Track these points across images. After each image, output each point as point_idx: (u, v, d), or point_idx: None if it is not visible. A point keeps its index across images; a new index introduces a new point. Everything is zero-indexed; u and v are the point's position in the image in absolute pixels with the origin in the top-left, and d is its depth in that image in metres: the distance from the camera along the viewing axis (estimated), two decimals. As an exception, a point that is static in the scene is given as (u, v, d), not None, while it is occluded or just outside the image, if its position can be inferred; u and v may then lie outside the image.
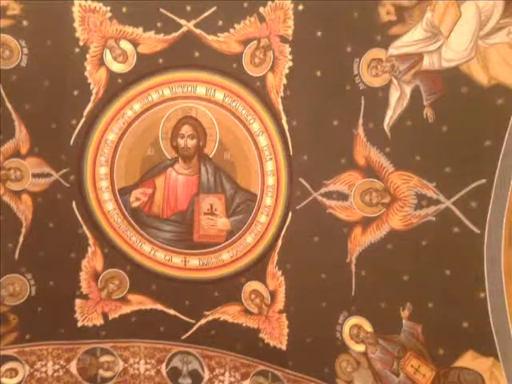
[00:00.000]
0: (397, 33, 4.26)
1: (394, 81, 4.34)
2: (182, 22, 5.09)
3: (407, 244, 4.47)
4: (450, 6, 3.93)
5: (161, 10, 5.05)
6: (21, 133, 5.34)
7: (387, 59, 4.34)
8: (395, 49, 4.29)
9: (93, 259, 5.73)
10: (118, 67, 5.30)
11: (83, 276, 5.76)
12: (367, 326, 4.82)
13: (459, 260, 4.22)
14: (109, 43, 5.21)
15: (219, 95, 5.33)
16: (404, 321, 4.56)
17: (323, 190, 4.93)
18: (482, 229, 4.05)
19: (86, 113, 5.36)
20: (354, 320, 4.90)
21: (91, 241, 5.69)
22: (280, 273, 5.32)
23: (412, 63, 4.22)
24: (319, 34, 4.66)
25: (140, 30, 5.15)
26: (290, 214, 5.20)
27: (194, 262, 5.68)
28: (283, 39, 4.86)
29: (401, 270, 4.54)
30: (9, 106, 5.24)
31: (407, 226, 4.44)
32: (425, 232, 4.35)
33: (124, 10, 5.09)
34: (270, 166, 5.32)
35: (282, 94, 5.02)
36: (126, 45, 5.23)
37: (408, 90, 4.27)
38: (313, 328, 5.18)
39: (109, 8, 5.08)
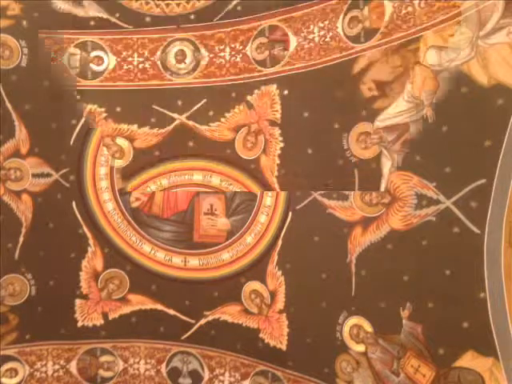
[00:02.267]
0: (381, 106, 4.41)
1: (384, 151, 4.46)
2: (175, 115, 5.29)
3: (407, 244, 4.47)
4: (427, 78, 4.05)
5: (154, 106, 5.24)
6: (21, 133, 5.36)
7: (374, 132, 4.46)
8: (381, 121, 4.43)
9: (93, 259, 5.73)
10: (115, 163, 5.48)
11: (83, 276, 5.76)
12: (367, 326, 4.81)
13: (459, 260, 4.20)
14: (105, 141, 5.40)
15: (216, 180, 5.47)
16: (404, 321, 4.54)
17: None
18: (482, 229, 4.03)
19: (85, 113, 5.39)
20: (354, 320, 4.88)
21: (91, 241, 5.70)
22: (280, 273, 5.32)
23: (399, 133, 4.32)
24: (306, 114, 4.87)
25: (135, 126, 5.36)
26: (290, 214, 5.21)
27: (194, 262, 5.68)
28: (272, 123, 5.08)
29: (401, 270, 4.53)
30: (9, 106, 5.26)
31: (407, 226, 4.44)
32: (425, 232, 4.35)
33: (118, 109, 5.29)
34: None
35: (276, 173, 5.18)
36: (121, 141, 5.40)
37: (399, 158, 4.39)
38: (313, 328, 5.17)
39: (104, 109, 5.29)
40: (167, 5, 4.97)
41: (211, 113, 5.27)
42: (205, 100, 5.23)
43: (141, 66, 5.21)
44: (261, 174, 5.28)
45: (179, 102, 5.28)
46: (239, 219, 5.52)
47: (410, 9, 4.08)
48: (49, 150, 5.48)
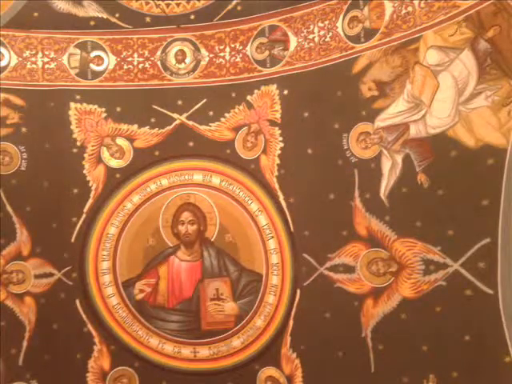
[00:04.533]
0: (381, 106, 4.48)
1: (384, 151, 4.47)
2: (175, 115, 5.35)
3: (421, 312, 4.36)
4: (427, 77, 4.15)
5: (153, 106, 5.31)
6: (22, 235, 5.38)
7: (374, 132, 4.51)
8: (381, 121, 4.48)
9: (99, 358, 5.53)
10: (115, 163, 5.46)
11: (90, 377, 5.52)
12: (391, 404, 4.57)
13: (477, 323, 4.09)
14: (105, 141, 5.42)
15: (216, 180, 5.46)
16: (430, 394, 4.33)
17: (328, 264, 4.88)
18: (495, 288, 3.97)
19: (86, 209, 5.44)
20: (378, 398, 4.65)
21: (96, 339, 5.52)
22: (295, 355, 5.11)
23: (399, 133, 4.37)
24: (306, 114, 4.90)
25: (135, 126, 5.39)
26: (299, 292, 5.10)
27: (204, 352, 5.46)
28: (272, 123, 5.12)
29: (419, 340, 4.38)
30: (9, 209, 5.32)
31: (418, 293, 4.36)
32: (437, 298, 4.26)
33: (118, 109, 5.35)
34: (272, 244, 5.31)
35: (276, 173, 5.17)
36: (122, 141, 5.43)
37: (399, 158, 4.39)
38: (335, 411, 4.91)
39: (104, 109, 5.34)
40: (167, 5, 5.07)
41: (211, 113, 5.28)
42: (205, 100, 5.24)
43: (141, 66, 5.25)
44: (261, 174, 5.24)
45: (179, 102, 5.29)
46: (247, 302, 5.40)
47: (410, 9, 4.16)
48: (50, 249, 5.46)
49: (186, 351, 5.50)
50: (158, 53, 5.27)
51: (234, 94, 5.20)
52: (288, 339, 5.15)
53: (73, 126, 5.33)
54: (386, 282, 4.56)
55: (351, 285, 4.76)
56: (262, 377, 5.31)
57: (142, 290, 5.54)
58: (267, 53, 5.04)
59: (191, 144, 5.40)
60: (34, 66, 5.24)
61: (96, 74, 5.30)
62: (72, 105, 5.31)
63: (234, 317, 5.42)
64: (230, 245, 5.48)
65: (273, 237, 5.29)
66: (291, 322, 5.15)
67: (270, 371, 5.28)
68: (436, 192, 4.19)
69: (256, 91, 5.13)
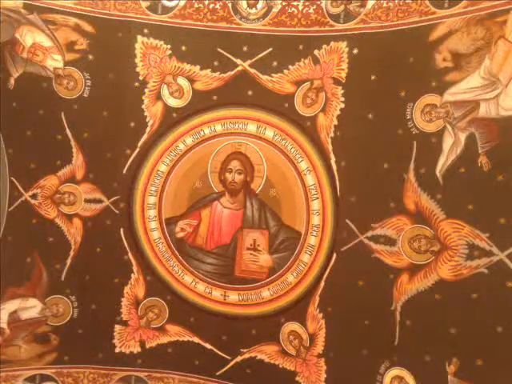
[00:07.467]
0: (453, 79, 4.22)
1: (449, 127, 4.27)
2: (238, 61, 5.26)
3: (456, 295, 4.27)
4: (509, 54, 3.87)
5: (218, 49, 5.25)
6: (78, 159, 5.58)
7: (442, 105, 4.29)
8: (450, 95, 4.24)
9: (135, 286, 5.80)
10: (173, 102, 5.50)
11: (124, 302, 5.82)
12: (409, 379, 4.58)
13: (513, 317, 4.00)
14: (167, 79, 5.44)
15: (269, 133, 5.42)
16: (450, 377, 4.30)
17: (370, 234, 4.83)
18: (539, 285, 3.84)
19: (140, 144, 5.56)
20: (396, 371, 4.67)
21: (135, 268, 5.77)
22: (321, 316, 5.19)
23: (468, 110, 4.14)
24: (373, 77, 4.70)
25: (197, 67, 5.35)
26: (335, 256, 5.11)
27: (233, 296, 5.65)
28: (336, 81, 4.94)
29: (448, 323, 4.32)
30: (69, 133, 5.50)
31: (457, 277, 4.26)
32: (476, 284, 4.16)
33: (183, 48, 5.31)
34: (315, 205, 5.29)
35: (332, 134, 5.05)
36: (182, 81, 5.44)
37: (462, 136, 4.19)
38: (352, 375, 4.97)
39: (169, 46, 5.32)
40: None
41: (275, 63, 5.16)
42: (270, 49, 5.13)
43: (211, 6, 5.14)
44: (316, 132, 5.15)
45: (244, 48, 5.21)
46: (282, 257, 5.47)
47: (502, -25, 3.80)
48: (102, 177, 5.65)
49: (217, 293, 5.68)
50: None
51: (301, 47, 5.03)
52: (317, 299, 5.22)
53: (137, 60, 5.37)
54: (426, 260, 4.47)
55: (389, 257, 4.71)
56: (286, 330, 5.43)
57: (183, 229, 5.71)
58: (343, 7, 4.78)
59: (250, 93, 5.34)
60: (104, -7, 5.26)
61: (166, 10, 5.23)
62: (139, 38, 5.31)
63: (267, 269, 5.53)
64: (273, 199, 5.50)
65: (318, 198, 5.27)
66: (322, 284, 5.19)
67: (293, 326, 5.39)
68: (495, 177, 4.00)
69: (324, 46, 4.93)
